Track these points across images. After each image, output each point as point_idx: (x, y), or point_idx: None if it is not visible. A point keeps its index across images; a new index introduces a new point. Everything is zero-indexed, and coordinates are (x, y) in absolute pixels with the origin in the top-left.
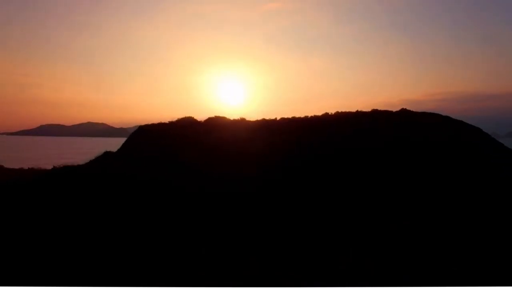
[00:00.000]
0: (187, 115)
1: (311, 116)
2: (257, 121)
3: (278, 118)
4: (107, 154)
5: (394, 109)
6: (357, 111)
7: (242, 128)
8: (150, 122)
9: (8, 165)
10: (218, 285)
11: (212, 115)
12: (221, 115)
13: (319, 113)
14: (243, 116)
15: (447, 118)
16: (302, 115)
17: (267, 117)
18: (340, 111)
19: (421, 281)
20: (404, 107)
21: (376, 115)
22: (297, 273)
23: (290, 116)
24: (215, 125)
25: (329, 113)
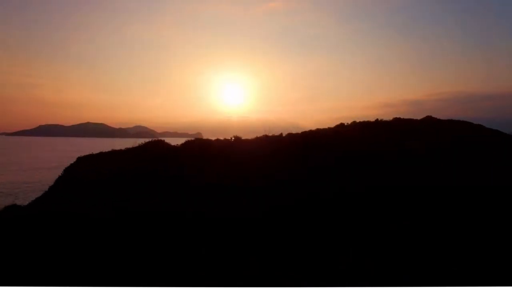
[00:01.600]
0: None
1: (324, 129)
2: (257, 138)
3: (284, 135)
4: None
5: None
6: (376, 120)
7: (234, 153)
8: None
9: None
10: (218, 285)
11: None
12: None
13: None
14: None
15: (479, 127)
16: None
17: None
18: (357, 121)
19: (421, 281)
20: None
21: (398, 125)
22: (297, 273)
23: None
24: (196, 152)
25: (345, 124)
